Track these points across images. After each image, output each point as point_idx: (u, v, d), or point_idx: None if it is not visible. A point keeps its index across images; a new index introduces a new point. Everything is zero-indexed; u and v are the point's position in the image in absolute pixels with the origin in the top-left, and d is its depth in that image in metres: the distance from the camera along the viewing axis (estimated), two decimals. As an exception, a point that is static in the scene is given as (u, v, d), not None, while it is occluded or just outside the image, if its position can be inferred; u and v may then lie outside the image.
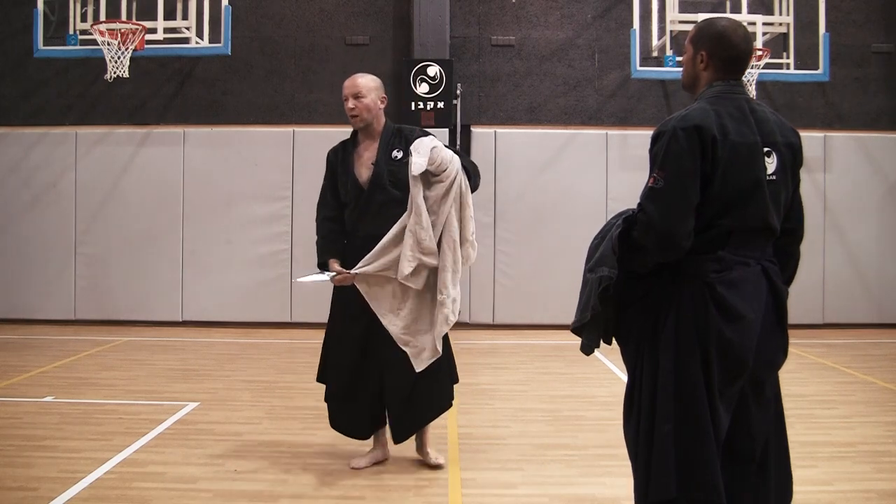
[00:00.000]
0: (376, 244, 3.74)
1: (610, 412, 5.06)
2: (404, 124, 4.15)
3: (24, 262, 9.05)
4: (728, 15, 8.34)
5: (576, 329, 2.61)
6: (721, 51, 2.47)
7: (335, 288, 3.94)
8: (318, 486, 3.72)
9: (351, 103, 3.83)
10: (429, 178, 3.73)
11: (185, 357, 7.21)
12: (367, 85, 3.86)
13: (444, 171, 3.71)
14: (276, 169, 9.00)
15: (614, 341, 2.62)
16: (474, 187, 3.88)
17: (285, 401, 5.45)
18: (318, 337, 8.32)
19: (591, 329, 2.56)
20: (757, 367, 2.36)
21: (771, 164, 2.39)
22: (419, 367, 3.76)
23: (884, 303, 9.13)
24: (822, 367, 6.81)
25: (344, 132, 9.07)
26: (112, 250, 9.00)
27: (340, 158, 3.93)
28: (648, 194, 2.36)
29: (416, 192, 3.69)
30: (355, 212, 3.86)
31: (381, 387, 3.86)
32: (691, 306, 2.34)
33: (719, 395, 2.32)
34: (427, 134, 3.90)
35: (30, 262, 9.04)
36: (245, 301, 8.95)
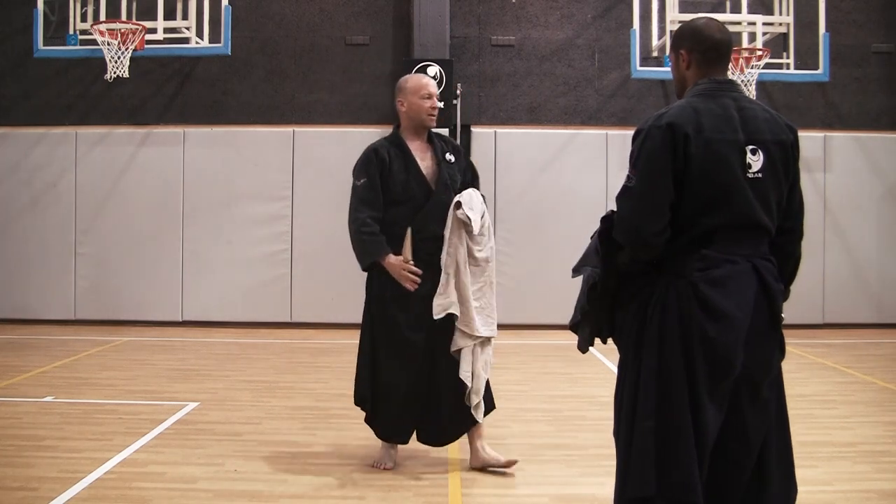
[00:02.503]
0: (436, 244, 3.79)
1: (610, 412, 5.02)
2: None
3: (24, 262, 9.04)
4: (728, 15, 8.37)
5: (572, 327, 2.67)
6: (698, 43, 2.50)
7: (389, 295, 3.79)
8: (318, 486, 3.71)
9: (435, 102, 3.90)
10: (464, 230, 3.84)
11: (185, 357, 7.21)
12: None
13: (484, 237, 3.85)
14: (276, 169, 9.00)
15: (611, 341, 2.63)
16: None
17: (285, 401, 5.45)
18: (318, 337, 8.40)
19: (584, 327, 2.60)
20: (752, 366, 2.35)
21: (756, 161, 2.38)
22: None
23: (884, 303, 9.12)
24: (822, 367, 6.81)
25: (344, 132, 9.01)
26: (112, 250, 9.00)
27: (394, 156, 3.84)
28: (621, 192, 2.44)
29: (460, 244, 3.78)
30: (421, 212, 3.80)
31: (429, 390, 3.86)
32: (675, 305, 2.34)
33: (708, 394, 2.31)
34: (462, 149, 4.11)
35: (30, 262, 9.04)
36: (245, 301, 8.95)
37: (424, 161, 3.89)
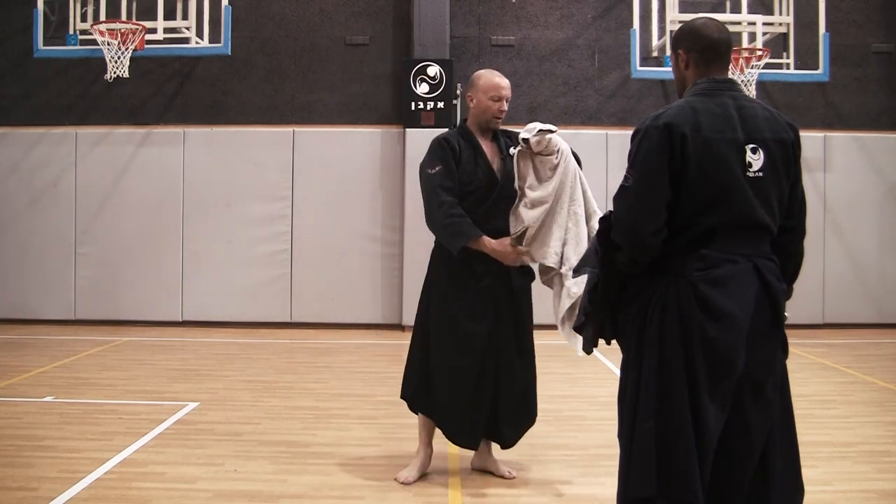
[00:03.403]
0: (501, 237, 3.64)
1: (610, 412, 5.02)
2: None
3: (24, 262, 9.04)
4: (728, 15, 8.37)
5: (577, 328, 2.69)
6: (696, 42, 2.50)
7: (451, 286, 3.70)
8: (318, 486, 3.72)
9: (504, 105, 3.80)
10: (537, 158, 3.63)
11: (185, 357, 7.21)
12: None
13: (553, 147, 3.60)
14: (276, 169, 9.00)
15: (615, 342, 2.63)
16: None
17: (285, 401, 5.45)
18: (318, 337, 8.39)
19: (588, 328, 2.60)
20: (753, 366, 2.35)
21: (757, 160, 2.38)
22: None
23: (884, 303, 9.12)
24: (822, 367, 6.81)
25: (344, 132, 9.01)
26: (112, 250, 9.00)
27: (464, 147, 3.77)
28: (618, 192, 2.45)
29: (526, 167, 3.59)
30: (485, 203, 3.70)
31: (493, 387, 3.71)
32: (676, 305, 2.34)
33: (709, 394, 2.31)
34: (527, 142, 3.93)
35: (30, 262, 9.04)
36: (245, 301, 8.95)
37: (491, 155, 3.82)
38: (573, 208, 3.63)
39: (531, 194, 3.60)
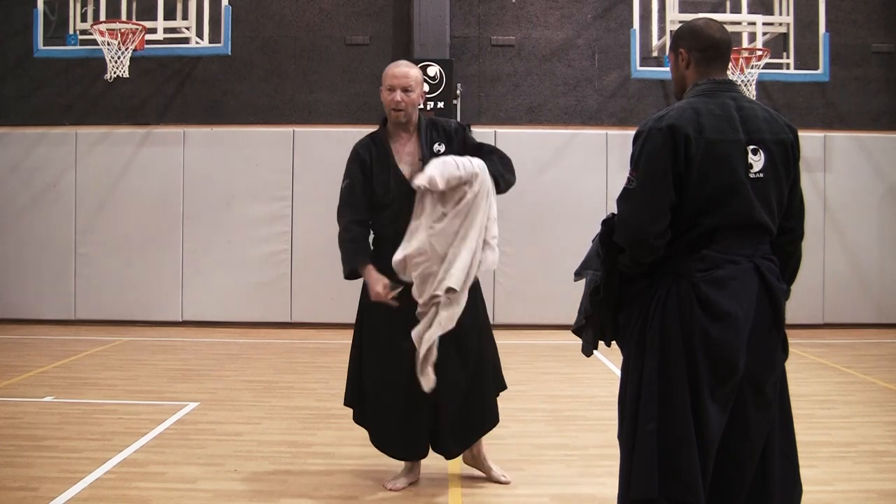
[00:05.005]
0: None
1: (610, 412, 5.02)
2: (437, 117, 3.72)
3: (24, 262, 9.04)
4: (728, 15, 8.38)
5: (576, 331, 2.68)
6: (697, 42, 2.51)
7: (376, 302, 3.42)
8: (318, 486, 3.72)
9: (399, 96, 3.50)
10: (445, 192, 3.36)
11: (185, 357, 7.21)
12: (417, 78, 3.55)
13: (467, 182, 3.37)
14: (276, 169, 9.00)
15: (614, 343, 2.64)
16: (506, 186, 3.62)
17: (285, 401, 5.45)
18: (318, 337, 8.39)
19: (588, 330, 2.60)
20: (754, 366, 2.35)
21: (757, 161, 2.38)
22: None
23: (884, 303, 9.12)
24: (822, 367, 6.81)
25: (344, 132, 9.04)
26: (112, 250, 9.00)
27: (375, 156, 3.51)
28: (622, 194, 2.43)
29: (428, 207, 3.34)
30: (402, 213, 3.41)
31: (434, 401, 3.49)
32: (677, 306, 2.35)
33: (710, 395, 2.32)
34: (463, 129, 3.65)
35: (30, 262, 9.04)
36: (245, 301, 8.95)
37: (408, 157, 3.54)
38: (482, 236, 3.43)
39: (436, 227, 3.32)
